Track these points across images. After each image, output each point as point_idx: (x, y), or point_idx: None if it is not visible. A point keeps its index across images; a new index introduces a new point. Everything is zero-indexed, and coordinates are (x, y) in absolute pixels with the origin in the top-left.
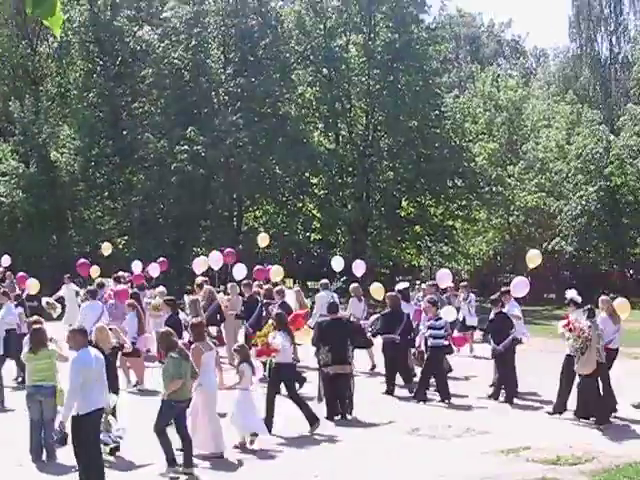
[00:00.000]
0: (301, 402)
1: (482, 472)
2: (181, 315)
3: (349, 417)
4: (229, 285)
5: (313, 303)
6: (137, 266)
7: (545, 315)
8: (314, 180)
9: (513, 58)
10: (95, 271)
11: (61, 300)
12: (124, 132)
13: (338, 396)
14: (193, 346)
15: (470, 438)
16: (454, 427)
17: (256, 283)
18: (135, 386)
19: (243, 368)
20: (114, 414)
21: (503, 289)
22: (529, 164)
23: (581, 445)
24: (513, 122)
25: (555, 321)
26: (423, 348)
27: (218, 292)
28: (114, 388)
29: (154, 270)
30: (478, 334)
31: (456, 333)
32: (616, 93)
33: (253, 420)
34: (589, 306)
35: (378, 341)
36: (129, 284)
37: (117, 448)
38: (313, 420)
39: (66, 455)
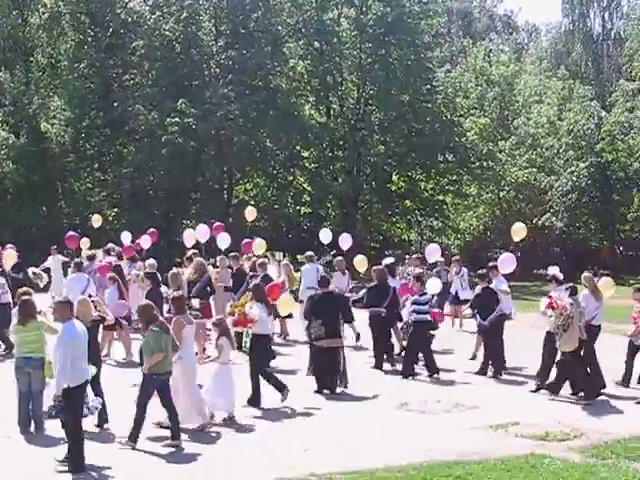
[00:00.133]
0: (268, 375)
1: (471, 447)
2: (162, 288)
3: (338, 391)
4: (218, 258)
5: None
6: (126, 238)
7: (534, 291)
8: (305, 153)
9: (505, 33)
10: (85, 243)
11: (47, 271)
12: (115, 104)
13: (328, 370)
14: (174, 319)
15: (459, 413)
16: (443, 402)
17: (245, 256)
18: (125, 359)
19: (222, 342)
20: (93, 386)
21: (490, 264)
22: (520, 139)
23: (569, 421)
24: (505, 97)
25: (545, 297)
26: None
27: (208, 265)
28: (96, 360)
29: (145, 242)
30: (468, 309)
31: (448, 306)
32: (608, 69)
33: (227, 398)
34: (571, 284)
35: (363, 315)
36: (117, 256)
37: (106, 420)
38: (282, 387)
39: (54, 427)
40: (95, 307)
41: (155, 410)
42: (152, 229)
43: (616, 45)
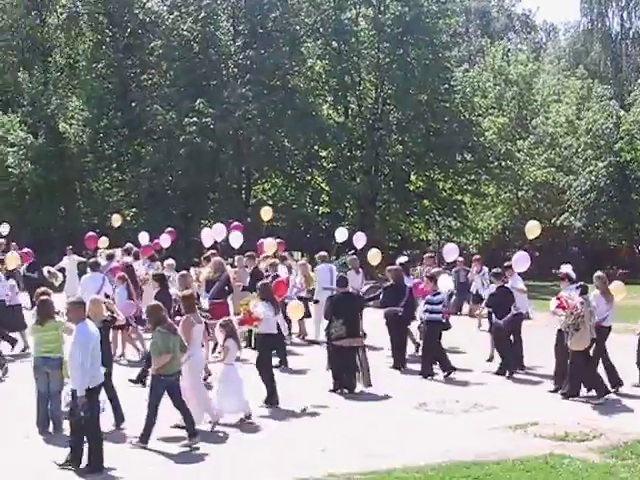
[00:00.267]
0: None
1: (490, 447)
2: (171, 290)
3: (357, 390)
4: (236, 257)
5: None
6: (144, 238)
7: (553, 290)
8: (323, 153)
9: (523, 32)
10: (103, 242)
11: (62, 270)
12: (133, 104)
13: (347, 369)
14: (184, 318)
15: (478, 413)
16: (461, 402)
17: (262, 256)
18: (143, 359)
19: (228, 344)
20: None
21: (506, 264)
22: (539, 139)
23: (589, 422)
24: (523, 97)
25: (554, 298)
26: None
27: (227, 265)
28: (107, 360)
29: (165, 241)
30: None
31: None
32: (627, 68)
33: (237, 398)
34: (581, 283)
35: (375, 314)
36: (134, 256)
37: (122, 418)
38: (274, 400)
39: None
40: (107, 307)
41: (172, 412)
42: (170, 228)
43: (635, 44)
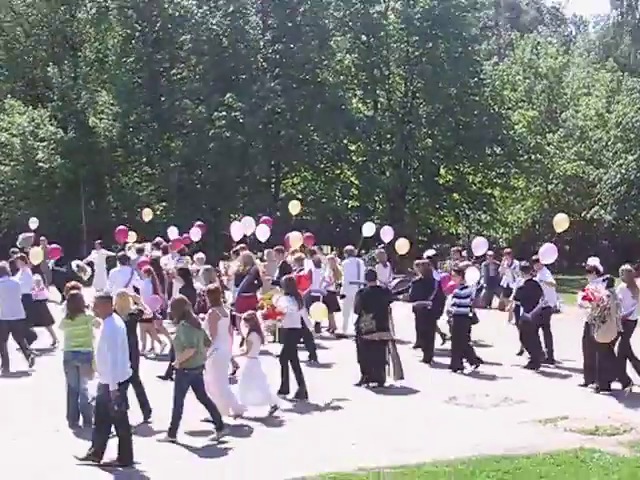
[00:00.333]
0: (293, 370)
1: (520, 442)
2: (196, 284)
3: (387, 384)
4: (266, 251)
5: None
6: (173, 232)
7: (583, 284)
8: (352, 147)
9: (553, 25)
10: (131, 237)
11: (91, 265)
12: (162, 98)
13: (377, 363)
14: (210, 311)
15: (507, 407)
16: (491, 396)
17: (291, 249)
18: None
19: (251, 337)
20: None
21: (534, 257)
22: (568, 132)
23: (619, 416)
24: (553, 90)
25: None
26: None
27: (256, 259)
28: (134, 354)
29: (195, 234)
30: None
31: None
32: None
33: (262, 391)
34: (608, 275)
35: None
36: (163, 251)
37: (149, 411)
38: (303, 393)
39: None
40: (134, 301)
41: (200, 406)
42: (199, 222)
43: None
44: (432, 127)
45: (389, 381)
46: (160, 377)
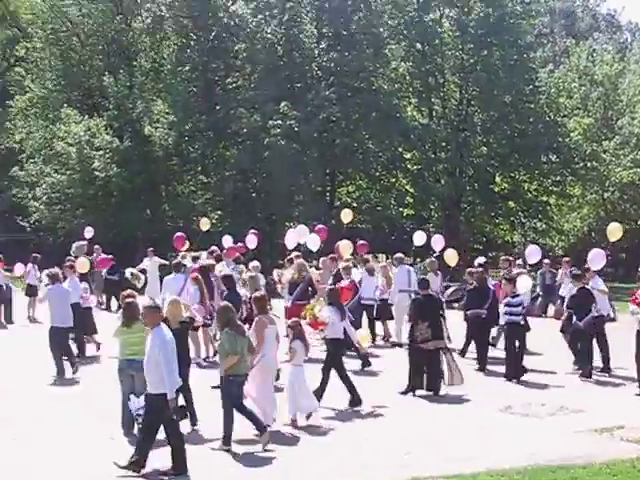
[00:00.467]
0: (341, 379)
1: (576, 451)
2: (241, 291)
3: (442, 393)
4: (321, 259)
5: None
6: (227, 241)
7: None
8: (407, 155)
9: (608, 32)
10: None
11: (143, 272)
12: (217, 107)
13: (433, 371)
14: (256, 319)
15: (563, 417)
16: (547, 405)
17: (345, 258)
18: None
19: (295, 345)
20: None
21: (586, 265)
22: (625, 139)
23: None
24: (608, 97)
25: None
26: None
27: (310, 267)
28: (184, 361)
29: (251, 242)
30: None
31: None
32: None
33: (309, 399)
34: None
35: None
36: (216, 259)
37: (195, 419)
38: (356, 401)
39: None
40: (186, 308)
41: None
42: (254, 230)
43: None
44: (487, 135)
45: (444, 390)
46: (215, 387)
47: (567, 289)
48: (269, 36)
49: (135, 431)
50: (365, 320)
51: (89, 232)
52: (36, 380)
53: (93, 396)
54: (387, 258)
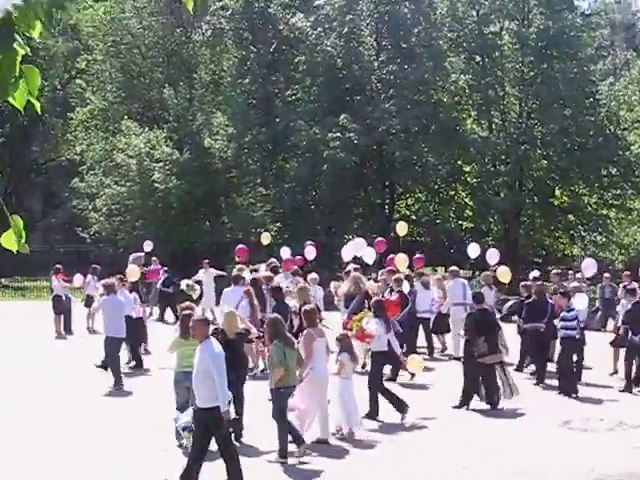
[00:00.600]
0: (385, 392)
1: (635, 467)
2: (290, 303)
3: (500, 406)
4: (380, 272)
5: None
6: (285, 252)
7: None
8: (467, 168)
9: None
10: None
11: (199, 284)
12: (277, 119)
13: (490, 385)
14: (305, 332)
15: (622, 432)
16: (606, 420)
17: (402, 271)
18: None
19: (342, 358)
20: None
21: None
22: None
23: None
24: None
25: None
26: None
27: (368, 279)
28: (240, 372)
29: (310, 254)
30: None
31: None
32: None
33: (352, 413)
34: None
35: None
36: (272, 271)
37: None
38: (402, 407)
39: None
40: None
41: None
42: (310, 242)
43: None
44: (547, 148)
45: (501, 404)
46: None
47: (622, 304)
48: (329, 49)
49: (185, 442)
50: (422, 333)
51: (148, 246)
52: (91, 390)
53: (147, 407)
54: (445, 271)
